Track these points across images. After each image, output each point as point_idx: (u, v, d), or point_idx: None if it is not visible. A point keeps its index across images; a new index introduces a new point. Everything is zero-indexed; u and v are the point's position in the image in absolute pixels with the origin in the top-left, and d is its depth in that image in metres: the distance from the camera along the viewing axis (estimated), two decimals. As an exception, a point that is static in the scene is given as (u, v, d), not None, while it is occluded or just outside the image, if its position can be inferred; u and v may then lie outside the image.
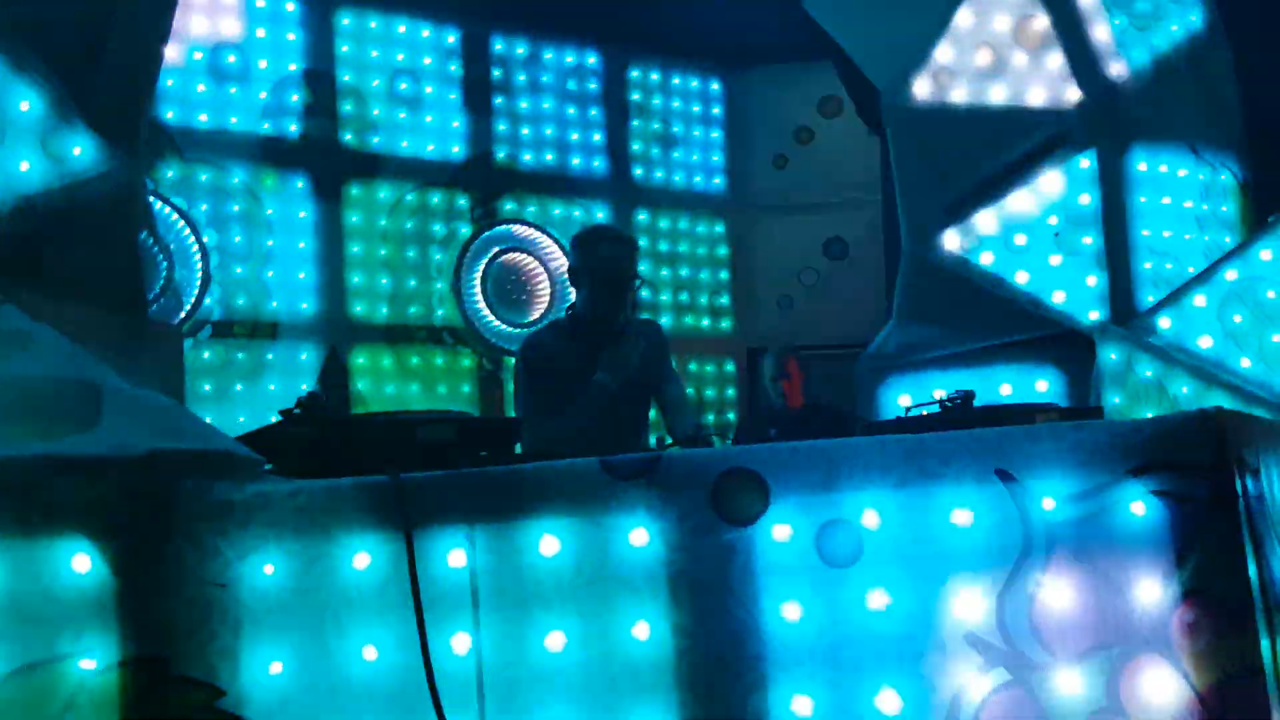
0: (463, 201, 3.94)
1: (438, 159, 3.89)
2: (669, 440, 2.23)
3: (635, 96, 4.32)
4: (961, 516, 1.23)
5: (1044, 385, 2.85)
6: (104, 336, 1.75)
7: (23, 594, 1.08)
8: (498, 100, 4.02)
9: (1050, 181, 2.84)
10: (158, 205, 3.22)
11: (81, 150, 1.78)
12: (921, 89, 3.00)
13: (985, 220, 2.91)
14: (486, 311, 3.89)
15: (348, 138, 3.74)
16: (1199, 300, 2.65)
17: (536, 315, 3.95)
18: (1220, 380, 2.48)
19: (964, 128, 2.93)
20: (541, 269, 4.02)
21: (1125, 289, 2.75)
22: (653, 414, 2.41)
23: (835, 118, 4.44)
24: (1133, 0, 2.88)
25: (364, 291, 3.73)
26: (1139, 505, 1.22)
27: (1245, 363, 2.56)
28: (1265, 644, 1.18)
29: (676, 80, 4.42)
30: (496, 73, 4.03)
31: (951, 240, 2.93)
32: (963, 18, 2.96)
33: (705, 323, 4.39)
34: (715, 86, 4.50)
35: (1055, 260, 2.83)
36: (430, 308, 3.84)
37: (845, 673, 1.19)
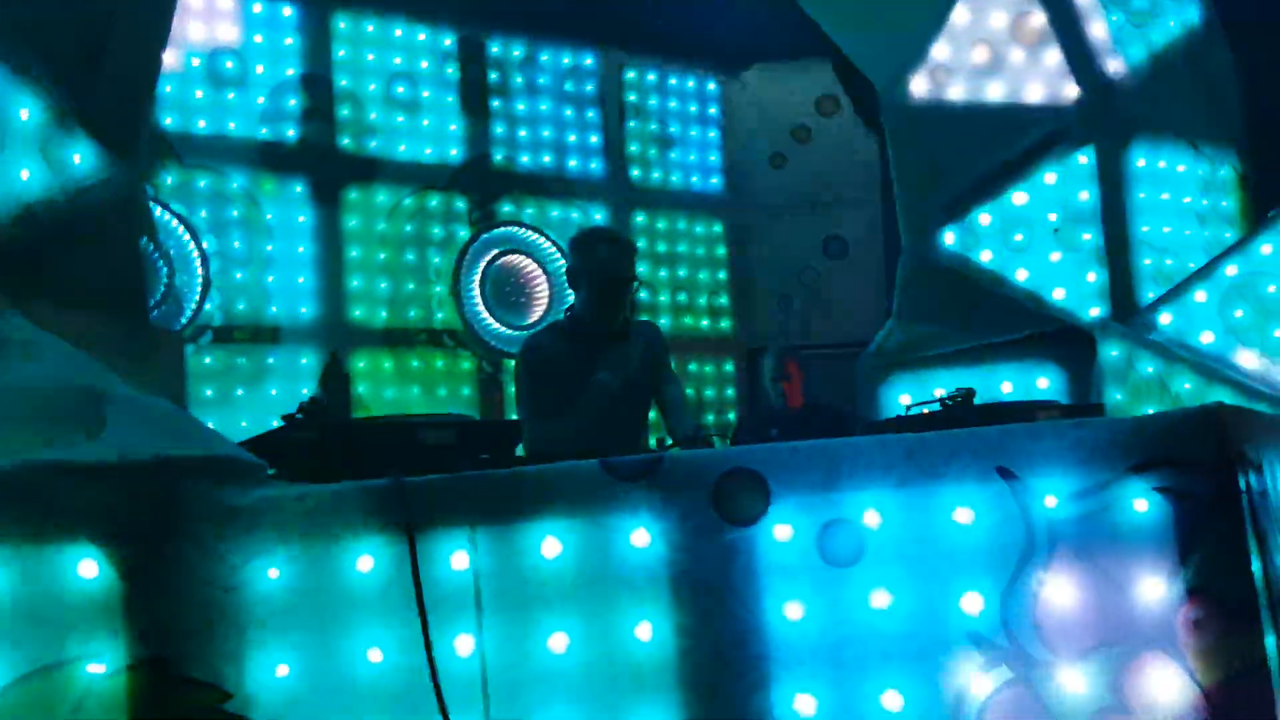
0: (461, 204, 3.94)
1: (435, 162, 3.89)
2: (669, 441, 2.23)
3: (632, 97, 4.32)
4: (963, 515, 1.23)
5: (1045, 383, 2.85)
6: (106, 343, 1.75)
7: (31, 598, 1.08)
8: (495, 103, 4.02)
9: (1049, 178, 2.84)
10: (158, 211, 3.22)
11: (82, 157, 1.78)
12: (919, 87, 3.00)
13: (984, 218, 2.91)
14: (485, 314, 3.90)
15: (345, 142, 3.74)
16: (1200, 296, 2.65)
17: (535, 317, 3.96)
18: (1222, 376, 2.48)
19: (962, 125, 2.93)
20: (540, 271, 4.02)
21: (1125, 285, 2.75)
22: (653, 415, 2.41)
23: (833, 116, 4.44)
24: (1130, -4, 2.88)
25: (363, 295, 3.73)
26: (1141, 502, 1.22)
27: (1247, 358, 2.56)
28: (1270, 640, 1.18)
29: (673, 80, 4.42)
30: (493, 75, 4.03)
31: (950, 238, 2.93)
32: (960, 15, 2.96)
33: (704, 323, 4.40)
34: (712, 86, 4.51)
35: (1055, 257, 2.83)
36: (430, 311, 3.85)
37: (848, 672, 1.19)
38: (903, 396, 2.86)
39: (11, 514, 1.08)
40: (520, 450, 1.82)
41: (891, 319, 3.07)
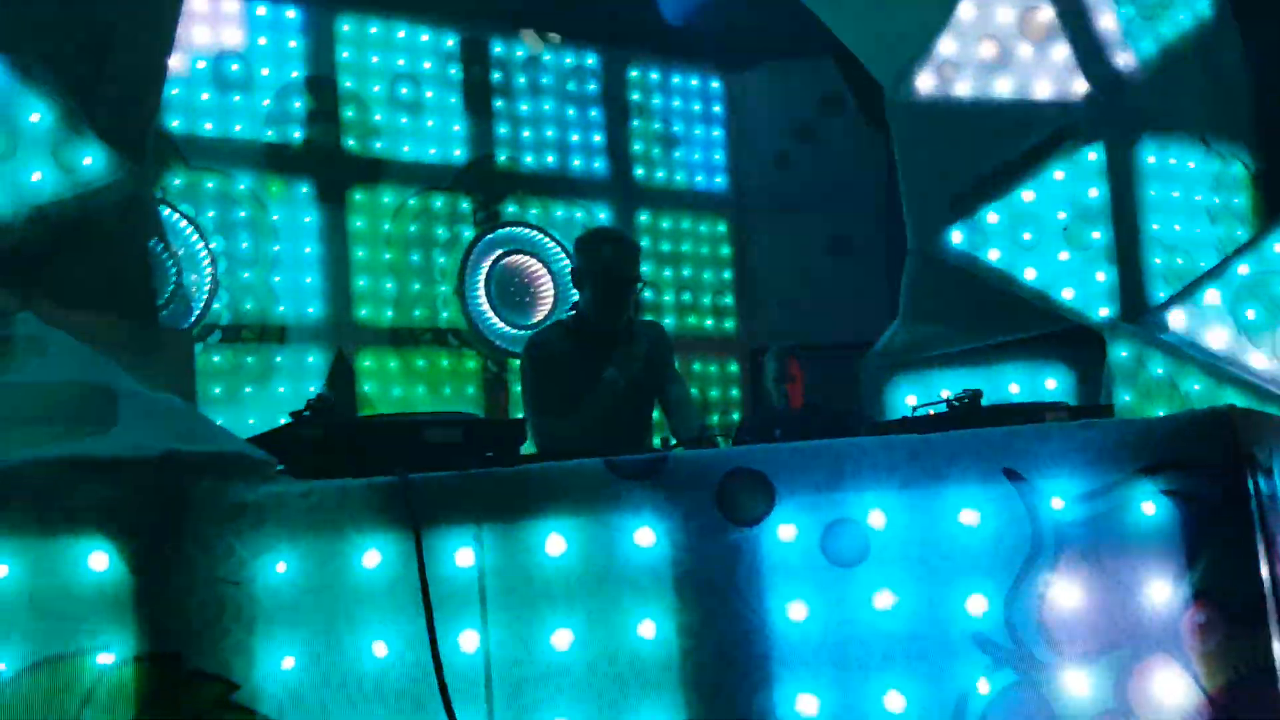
0: (465, 205, 3.95)
1: (440, 163, 3.90)
2: (673, 441, 2.23)
3: (635, 96, 4.32)
4: (969, 516, 1.23)
5: (1053, 383, 2.83)
6: (116, 341, 1.77)
7: (43, 591, 1.10)
8: (498, 103, 4.03)
9: (1058, 176, 2.82)
10: (166, 213, 3.25)
11: (91, 160, 1.80)
12: (925, 83, 2.98)
13: (992, 216, 2.89)
14: (490, 313, 3.91)
15: (350, 143, 3.76)
16: (1211, 295, 2.63)
17: (540, 316, 3.96)
18: (1233, 377, 2.45)
19: (969, 122, 2.91)
20: (544, 270, 4.02)
21: (1136, 284, 2.72)
22: (656, 415, 2.41)
23: (837, 114, 4.42)
24: (1140, -11, 2.85)
25: (369, 295, 3.75)
26: (1149, 505, 1.21)
27: (1258, 358, 2.53)
28: (1276, 644, 1.17)
29: (676, 79, 4.41)
30: (496, 75, 4.04)
31: (957, 236, 2.91)
32: (965, 10, 2.94)
33: (708, 323, 4.39)
34: (715, 85, 4.50)
35: (1064, 256, 2.80)
36: (435, 310, 3.86)
37: (851, 672, 1.19)
38: (908, 397, 2.84)
39: (24, 508, 1.09)
40: (529, 447, 1.83)
41: (897, 319, 3.05)
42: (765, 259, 4.45)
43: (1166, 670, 1.17)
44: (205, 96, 3.53)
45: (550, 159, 4.12)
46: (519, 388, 2.88)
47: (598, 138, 4.21)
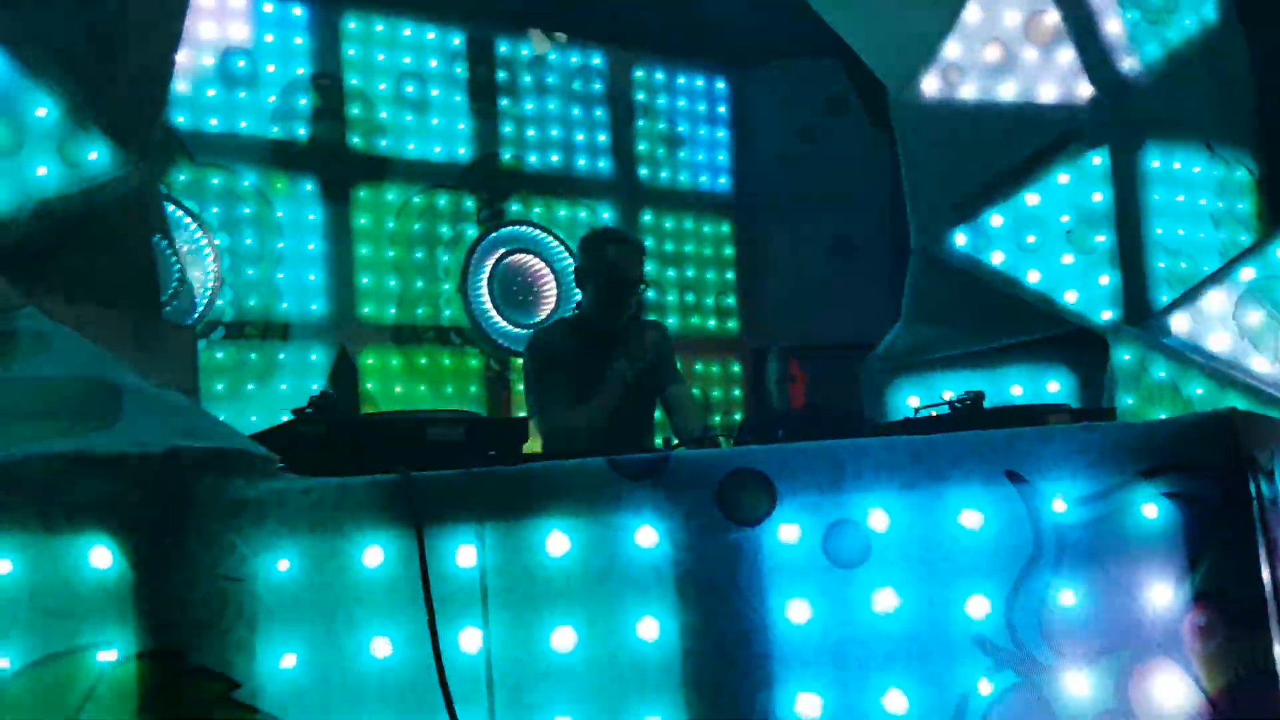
0: (469, 203, 3.96)
1: (444, 161, 3.91)
2: (675, 441, 2.23)
3: (640, 96, 4.32)
4: (971, 518, 1.23)
5: (1056, 386, 2.83)
6: (120, 337, 1.78)
7: (45, 587, 1.10)
8: (503, 102, 4.03)
9: (1062, 179, 2.82)
10: (170, 208, 3.25)
11: (97, 155, 1.81)
12: (930, 86, 2.98)
13: (996, 219, 2.89)
14: (493, 312, 3.91)
15: (355, 141, 3.76)
16: (1214, 299, 2.62)
17: (543, 316, 3.97)
18: (1235, 381, 2.45)
19: (973, 125, 2.91)
20: (548, 269, 4.03)
21: (1139, 288, 2.72)
22: (659, 414, 2.41)
23: (841, 116, 4.42)
24: (1146, -7, 2.84)
25: (372, 293, 3.76)
26: (1151, 507, 1.22)
27: (1262, 363, 2.53)
28: (1277, 647, 1.17)
29: (681, 80, 4.41)
30: (501, 74, 4.05)
31: (961, 239, 2.91)
32: (971, 13, 2.94)
33: (711, 323, 4.39)
34: (720, 85, 4.50)
35: (1067, 259, 2.80)
36: (438, 308, 3.86)
37: (852, 673, 1.19)
38: (910, 399, 2.84)
39: (26, 503, 1.10)
40: (533, 444, 1.83)
41: (900, 320, 3.05)
42: (768, 260, 4.45)
43: (1167, 672, 1.17)
44: (211, 92, 3.53)
45: (555, 158, 4.13)
46: (521, 387, 2.88)
47: (602, 137, 4.22)
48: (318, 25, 3.73)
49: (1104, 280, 2.77)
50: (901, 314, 3.05)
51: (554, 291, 4.01)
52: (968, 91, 2.94)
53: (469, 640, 1.19)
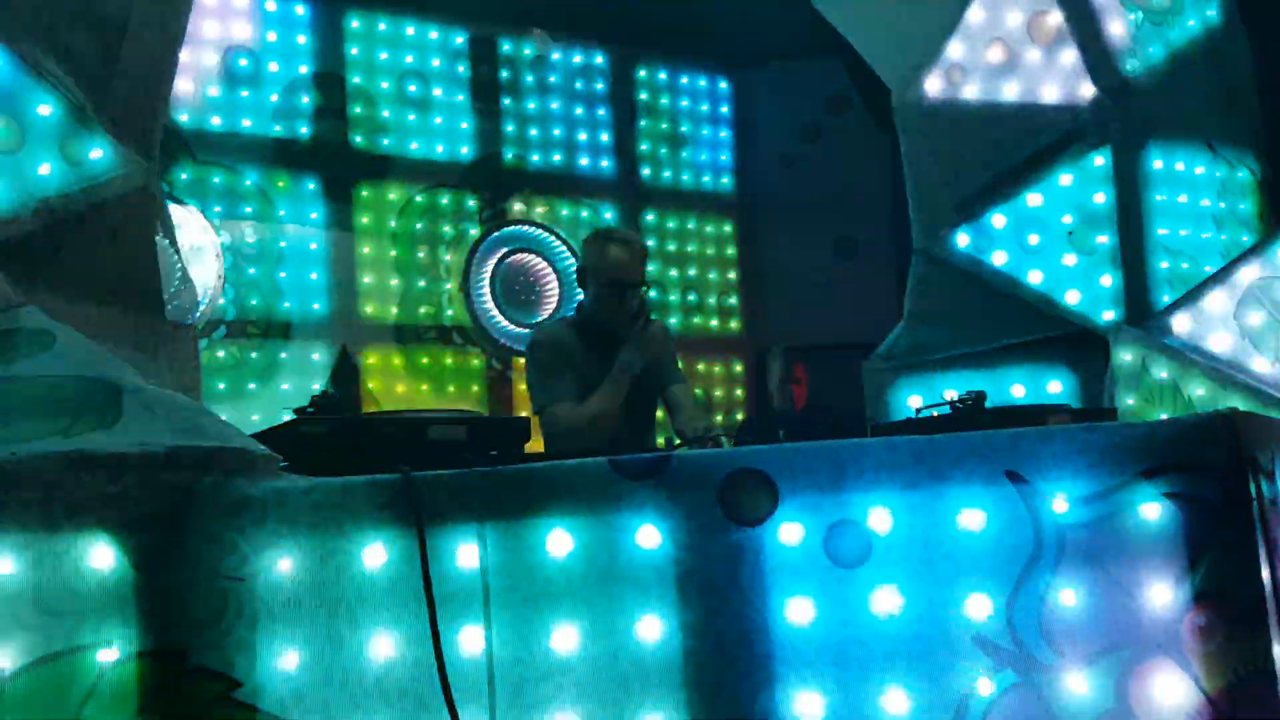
0: (471, 202, 3.96)
1: (447, 160, 3.91)
2: (677, 441, 2.23)
3: (643, 96, 4.32)
4: (971, 518, 1.23)
5: (1057, 386, 2.83)
6: (121, 336, 1.78)
7: (46, 586, 1.10)
8: (505, 101, 4.04)
9: (1064, 180, 2.82)
10: (172, 207, 3.25)
11: (99, 154, 1.81)
12: (932, 86, 2.98)
13: (998, 219, 2.89)
14: (495, 312, 3.91)
15: (358, 140, 3.77)
16: (1216, 300, 2.62)
17: (545, 315, 3.97)
18: (1236, 381, 2.45)
19: (976, 125, 2.91)
20: (550, 269, 4.03)
21: (1140, 289, 2.72)
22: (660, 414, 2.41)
23: (844, 116, 4.42)
24: (1149, -6, 2.84)
25: (374, 292, 3.76)
26: (1151, 507, 1.22)
27: (1263, 363, 2.53)
28: (1277, 647, 1.17)
29: (684, 79, 4.41)
30: (504, 74, 4.05)
31: (963, 239, 2.91)
32: (974, 14, 2.94)
33: (714, 323, 4.39)
34: (723, 85, 4.50)
35: (1069, 260, 2.80)
36: (440, 308, 3.87)
37: (853, 673, 1.19)
38: (912, 399, 2.85)
39: (27, 502, 1.10)
40: (535, 443, 1.83)
41: (902, 320, 3.05)
42: (771, 260, 4.45)
43: (1167, 672, 1.17)
44: (213, 91, 3.54)
45: (557, 158, 4.13)
46: (523, 386, 2.87)
47: (605, 137, 4.22)
48: (320, 24, 3.74)
49: (1106, 281, 2.77)
50: (903, 314, 3.06)
51: (556, 291, 4.01)
52: (970, 92, 2.94)
53: (470, 640, 1.19)
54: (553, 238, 4.02)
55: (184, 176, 3.46)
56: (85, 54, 1.78)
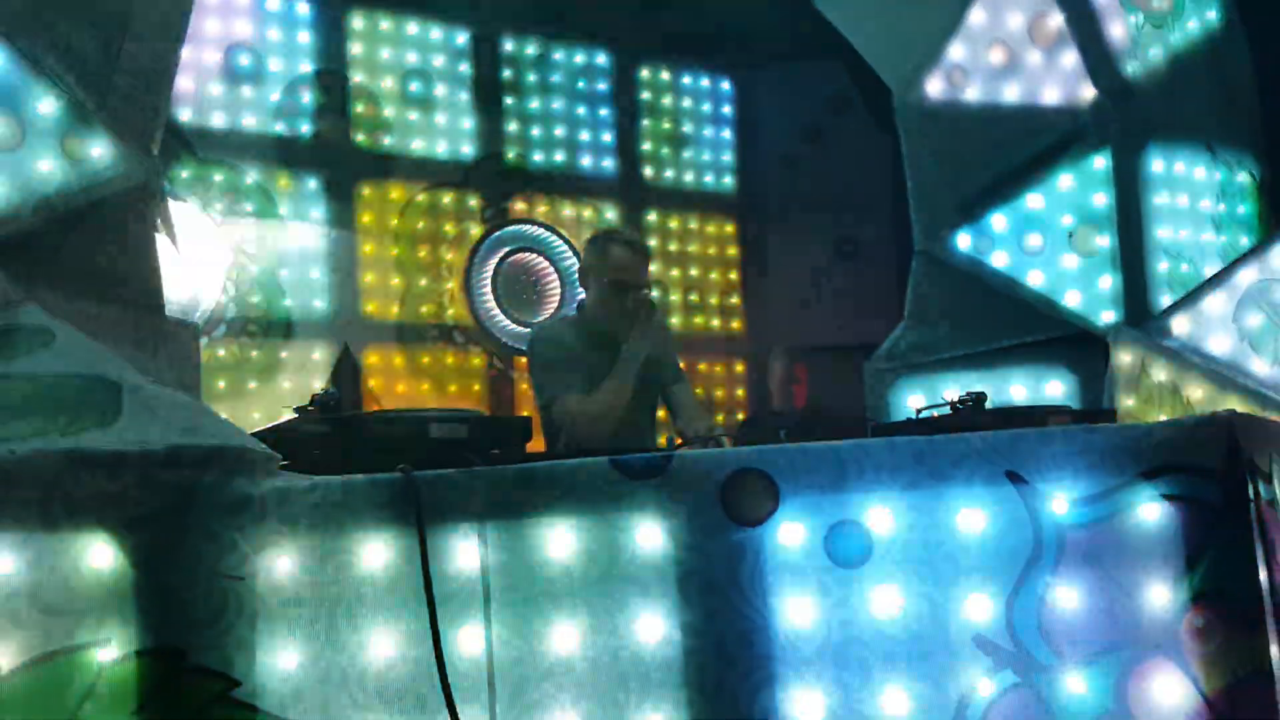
0: (473, 202, 3.96)
1: (449, 159, 3.91)
2: (679, 441, 2.23)
3: (645, 96, 4.33)
4: (971, 518, 1.23)
5: (1057, 387, 2.83)
6: (121, 334, 1.78)
7: (45, 585, 1.10)
8: (508, 100, 4.04)
9: (1064, 181, 2.82)
10: (173, 205, 3.25)
11: (100, 151, 1.81)
12: (934, 87, 2.99)
13: (998, 220, 2.89)
14: (496, 311, 3.92)
15: (360, 138, 3.77)
16: (1215, 302, 2.63)
17: (546, 315, 3.97)
18: (1235, 383, 2.45)
19: (977, 127, 2.91)
20: (551, 268, 4.03)
21: (1140, 290, 2.72)
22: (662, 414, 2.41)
23: (846, 117, 4.42)
24: (1150, -3, 2.85)
25: (376, 291, 3.76)
26: (1150, 509, 1.22)
27: (1262, 365, 2.53)
28: (1275, 648, 1.17)
29: (686, 80, 4.42)
30: (506, 73, 4.05)
31: (964, 240, 2.92)
32: (976, 16, 2.94)
33: (715, 323, 4.39)
34: (725, 86, 4.50)
35: (1069, 261, 2.81)
36: (441, 307, 3.87)
37: (853, 673, 1.19)
38: (912, 399, 2.85)
39: (26, 501, 1.10)
40: (536, 442, 1.83)
41: (902, 321, 3.05)
42: (772, 260, 4.45)
43: (1165, 673, 1.17)
44: (215, 89, 3.54)
45: (559, 157, 4.13)
46: (525, 385, 2.87)
47: (607, 137, 4.22)
48: (323, 22, 3.74)
49: (1105, 282, 2.77)
50: (904, 315, 3.06)
51: (557, 291, 4.01)
52: (972, 93, 2.94)
53: (470, 639, 1.19)
54: (554, 237, 4.03)
55: (185, 174, 3.46)
56: (86, 51, 1.78)
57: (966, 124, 2.92)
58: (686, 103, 4.41)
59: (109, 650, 1.10)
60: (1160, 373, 2.55)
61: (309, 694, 1.15)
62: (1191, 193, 2.84)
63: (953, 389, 2.35)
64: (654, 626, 1.20)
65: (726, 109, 4.49)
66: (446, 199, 3.91)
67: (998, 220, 2.89)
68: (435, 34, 3.94)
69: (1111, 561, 1.21)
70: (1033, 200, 2.86)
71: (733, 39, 4.24)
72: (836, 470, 1.22)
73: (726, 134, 4.49)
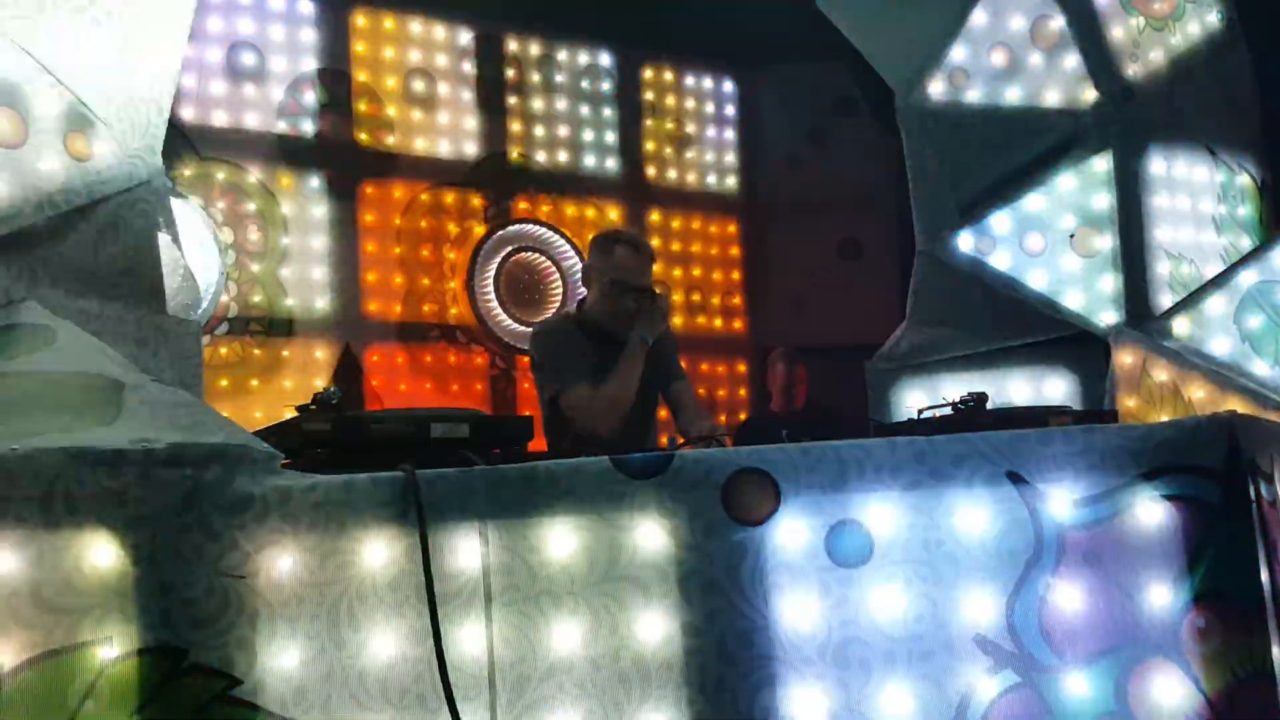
0: (476, 201, 3.96)
1: (452, 158, 3.92)
2: (680, 441, 2.23)
3: (648, 96, 4.33)
4: (972, 518, 1.23)
5: (1057, 388, 2.84)
6: (123, 332, 1.78)
7: (46, 583, 1.10)
8: (511, 100, 4.04)
9: (1066, 183, 2.82)
10: (175, 203, 3.25)
11: (103, 149, 1.81)
12: (936, 89, 2.99)
13: (1000, 221, 2.89)
14: (499, 310, 3.92)
15: (363, 137, 3.77)
16: (1216, 303, 2.63)
17: (548, 314, 3.97)
18: (1236, 384, 2.45)
19: (979, 128, 2.92)
20: (554, 268, 4.03)
21: (1141, 291, 2.73)
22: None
23: (849, 118, 4.42)
24: (1151, 0, 2.85)
25: (378, 290, 3.76)
26: (1151, 509, 1.22)
27: (1262, 367, 2.53)
28: (1277, 649, 1.17)
29: (690, 80, 4.42)
30: (510, 72, 4.05)
31: (965, 241, 2.92)
32: (978, 18, 2.95)
33: (718, 323, 4.39)
34: (728, 86, 4.50)
35: (1070, 262, 2.81)
36: (444, 306, 3.87)
37: (854, 673, 1.19)
38: (913, 400, 2.85)
39: (27, 499, 1.10)
40: (537, 441, 1.82)
41: (904, 322, 3.06)
42: (775, 260, 4.45)
43: (1166, 673, 1.18)
44: (218, 87, 3.54)
45: (562, 157, 4.13)
46: (527, 384, 2.87)
47: (610, 137, 4.22)
48: (326, 21, 3.74)
49: (1106, 283, 2.77)
50: (906, 315, 3.06)
51: (560, 290, 4.01)
52: (973, 95, 2.95)
53: (471, 638, 1.19)
54: (557, 237, 4.03)
55: (188, 172, 3.46)
56: (89, 49, 1.79)
57: (968, 125, 2.93)
58: (690, 103, 4.41)
59: (110, 649, 1.10)
60: (1161, 373, 2.55)
61: (310, 693, 1.15)
62: (1192, 194, 2.84)
63: (954, 390, 2.35)
64: (655, 626, 1.20)
65: (729, 109, 4.49)
66: (449, 198, 3.92)
67: (999, 221, 2.90)
68: (439, 32, 3.94)
69: (1112, 562, 1.21)
70: (1034, 201, 2.86)
71: (736, 40, 4.24)
72: (837, 470, 1.22)
73: (729, 134, 4.49)
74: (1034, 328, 2.84)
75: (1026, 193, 2.87)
